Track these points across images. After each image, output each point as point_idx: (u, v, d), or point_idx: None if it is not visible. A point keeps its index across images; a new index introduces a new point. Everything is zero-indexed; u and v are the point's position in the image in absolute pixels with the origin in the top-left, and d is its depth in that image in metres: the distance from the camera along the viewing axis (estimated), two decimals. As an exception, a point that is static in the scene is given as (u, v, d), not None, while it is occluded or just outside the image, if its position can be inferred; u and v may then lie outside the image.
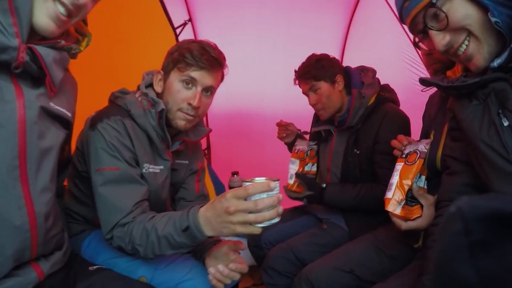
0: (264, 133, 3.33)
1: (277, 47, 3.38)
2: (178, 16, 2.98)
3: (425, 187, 1.38)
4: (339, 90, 2.05)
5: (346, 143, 2.03)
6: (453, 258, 0.54)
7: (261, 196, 1.03)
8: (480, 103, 1.05)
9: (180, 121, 1.45)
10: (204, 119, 3.37)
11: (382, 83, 2.12)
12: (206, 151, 3.58)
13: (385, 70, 2.28)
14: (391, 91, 2.10)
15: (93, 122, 1.35)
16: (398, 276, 1.35)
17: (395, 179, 1.38)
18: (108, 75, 2.28)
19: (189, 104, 1.42)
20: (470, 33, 1.00)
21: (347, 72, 2.09)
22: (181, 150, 1.62)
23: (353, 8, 3.31)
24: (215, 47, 1.45)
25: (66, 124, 1.17)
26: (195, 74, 1.41)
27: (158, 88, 1.48)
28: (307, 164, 2.28)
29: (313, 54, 2.11)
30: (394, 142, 1.53)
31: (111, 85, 1.54)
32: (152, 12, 2.71)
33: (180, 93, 1.42)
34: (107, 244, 1.35)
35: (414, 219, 1.32)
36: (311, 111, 2.35)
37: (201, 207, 1.14)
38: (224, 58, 1.48)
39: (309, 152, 2.28)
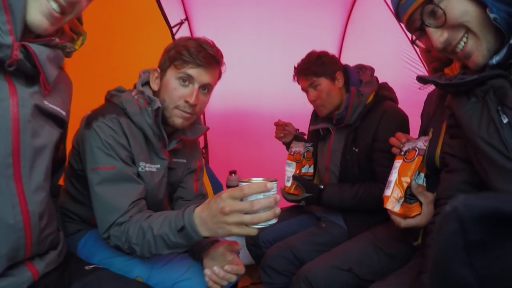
0: (262, 132, 3.32)
1: (275, 46, 3.38)
2: (174, 15, 2.97)
3: (424, 184, 1.37)
4: (339, 87, 2.04)
5: (345, 141, 2.02)
6: (450, 258, 0.53)
7: (258, 197, 1.02)
8: (478, 100, 1.04)
9: (177, 119, 1.44)
10: (202, 118, 3.35)
11: (380, 81, 2.12)
12: (203, 150, 3.57)
13: (383, 69, 2.28)
14: (390, 89, 2.10)
15: (89, 121, 1.34)
16: (397, 274, 1.35)
17: (393, 176, 1.37)
18: (104, 74, 2.27)
19: (186, 101, 1.41)
20: (468, 30, 0.99)
21: (345, 70, 2.09)
22: (179, 149, 1.61)
23: (350, 7, 3.31)
24: (212, 45, 1.44)
25: (60, 122, 1.16)
26: (192, 71, 1.40)
27: (154, 86, 1.47)
28: (304, 166, 2.27)
29: (313, 50, 2.10)
30: (393, 140, 1.53)
31: (108, 84, 1.53)
32: (148, 11, 2.70)
33: (177, 91, 1.41)
34: (103, 244, 1.34)
35: (413, 217, 1.31)
36: (309, 110, 2.35)
37: (196, 207, 1.13)
38: (221, 56, 1.47)
39: (305, 154, 2.27)
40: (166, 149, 1.52)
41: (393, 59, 2.86)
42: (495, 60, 0.98)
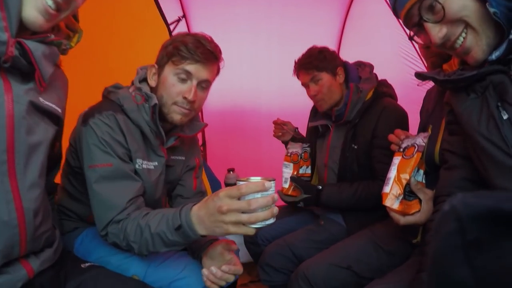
0: (260, 129, 3.33)
1: (272, 44, 3.38)
2: (172, 13, 2.96)
3: (424, 181, 1.36)
4: (340, 83, 2.04)
5: (344, 138, 2.01)
6: (448, 258, 0.53)
7: (255, 196, 1.01)
8: (478, 96, 1.03)
9: (176, 115, 1.43)
10: (199, 115, 3.35)
11: (379, 78, 2.11)
12: (201, 148, 3.56)
13: (382, 66, 2.27)
14: (389, 86, 2.09)
15: (85, 118, 1.34)
16: (396, 272, 1.34)
17: (392, 173, 1.36)
18: (102, 72, 2.26)
19: (185, 98, 1.40)
20: (467, 25, 0.98)
21: (344, 67, 2.08)
22: (177, 146, 1.60)
23: (349, 3, 3.31)
24: (210, 40, 1.43)
25: (56, 120, 1.16)
26: (190, 67, 1.38)
27: (152, 82, 1.46)
28: (301, 167, 2.26)
29: (314, 45, 2.10)
30: (391, 137, 1.52)
31: (105, 81, 1.52)
32: (145, 8, 2.70)
33: (175, 87, 1.40)
34: (100, 242, 1.34)
35: (412, 214, 1.30)
36: (307, 107, 2.34)
37: (194, 205, 1.13)
38: (220, 51, 1.45)
39: (303, 154, 2.26)
40: (164, 146, 1.51)
41: (392, 56, 2.86)
42: (494, 55, 0.97)
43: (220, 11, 3.17)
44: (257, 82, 3.49)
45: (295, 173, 2.21)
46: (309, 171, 2.27)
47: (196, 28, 3.23)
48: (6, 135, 0.95)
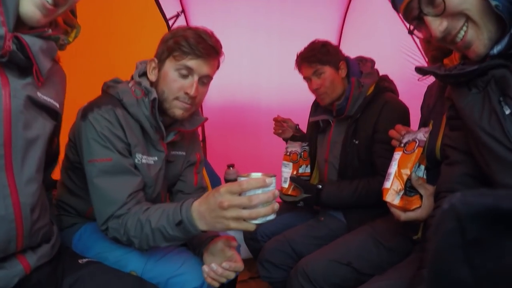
0: (259, 125, 3.32)
1: (272, 39, 3.36)
2: (170, 8, 2.96)
3: (425, 177, 1.35)
4: (342, 77, 2.03)
5: (345, 133, 2.00)
6: (448, 257, 0.52)
7: (256, 192, 1.01)
8: (479, 91, 1.02)
9: (178, 110, 1.42)
10: (199, 110, 3.35)
11: (380, 74, 2.10)
12: (201, 143, 3.56)
13: (383, 61, 2.26)
14: (390, 81, 2.08)
15: (84, 113, 1.33)
16: (397, 268, 1.33)
17: (393, 168, 1.35)
18: (101, 67, 2.26)
19: (186, 93, 1.39)
20: (468, 18, 0.96)
21: (346, 61, 2.07)
22: (177, 141, 1.59)
23: (349, -2, 3.28)
24: (211, 35, 1.41)
25: (54, 115, 1.15)
26: (192, 63, 1.37)
27: (152, 77, 1.45)
28: (301, 166, 2.25)
29: (316, 39, 2.08)
30: (392, 132, 1.51)
31: (105, 77, 1.52)
32: (144, 4, 2.69)
33: (176, 82, 1.39)
34: (98, 238, 1.34)
35: (413, 210, 1.29)
36: (306, 103, 2.33)
37: (194, 200, 1.13)
38: (220, 46, 1.44)
39: (302, 153, 2.25)
40: (164, 141, 1.50)
41: (393, 51, 2.84)
42: (496, 49, 0.96)
43: (219, 6, 3.15)
44: (256, 78, 3.47)
45: (294, 172, 2.21)
46: (308, 170, 2.27)
47: (195, 24, 3.21)
48: (3, 130, 0.95)
